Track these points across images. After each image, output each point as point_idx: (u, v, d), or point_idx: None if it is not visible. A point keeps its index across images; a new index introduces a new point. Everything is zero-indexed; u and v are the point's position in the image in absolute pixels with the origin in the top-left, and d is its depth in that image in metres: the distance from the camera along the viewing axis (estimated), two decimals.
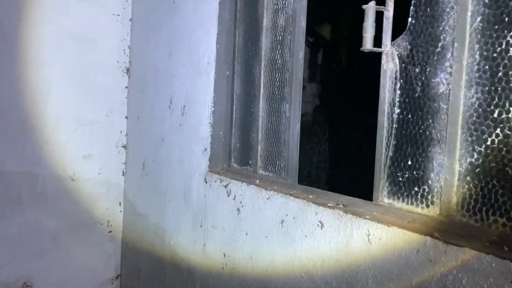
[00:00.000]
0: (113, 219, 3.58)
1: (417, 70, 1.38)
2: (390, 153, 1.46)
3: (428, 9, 1.34)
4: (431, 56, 1.33)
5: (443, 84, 1.30)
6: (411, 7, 1.38)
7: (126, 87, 3.54)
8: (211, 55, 2.36)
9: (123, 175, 3.58)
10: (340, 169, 5.49)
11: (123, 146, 3.58)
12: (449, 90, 1.27)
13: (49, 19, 3.22)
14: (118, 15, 3.45)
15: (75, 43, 3.29)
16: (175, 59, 2.75)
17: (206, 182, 2.35)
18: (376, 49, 1.46)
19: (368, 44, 1.45)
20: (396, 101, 1.44)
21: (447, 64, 1.29)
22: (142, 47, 3.29)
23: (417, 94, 1.38)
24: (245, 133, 2.32)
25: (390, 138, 1.46)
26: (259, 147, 2.19)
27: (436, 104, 1.32)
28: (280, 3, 2.02)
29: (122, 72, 3.52)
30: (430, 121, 1.34)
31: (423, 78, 1.36)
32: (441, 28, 1.30)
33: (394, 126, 1.45)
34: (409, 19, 1.39)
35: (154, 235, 2.96)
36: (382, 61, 1.48)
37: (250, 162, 2.27)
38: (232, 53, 2.36)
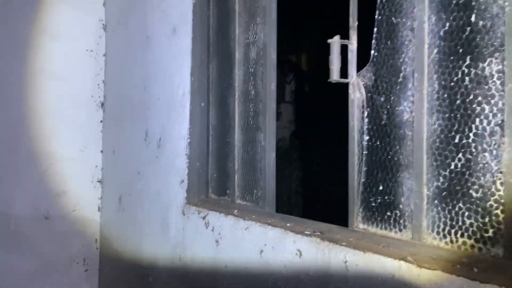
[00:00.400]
0: (89, 257, 3.47)
1: (382, 99, 1.44)
2: (362, 179, 1.51)
3: (389, 42, 1.42)
4: (394, 86, 1.40)
5: (407, 112, 1.36)
6: (373, 41, 1.46)
7: (101, 121, 3.52)
8: (185, 88, 2.40)
9: (99, 210, 3.51)
10: (318, 194, 5.53)
11: (98, 181, 3.53)
12: (413, 117, 1.34)
13: (20, 57, 3.21)
14: (92, 50, 3.47)
15: (47, 80, 3.28)
16: (150, 92, 2.77)
17: (184, 214, 2.33)
18: (343, 80, 1.52)
19: (335, 75, 1.51)
20: (365, 129, 1.50)
21: (409, 93, 1.36)
22: (117, 81, 3.30)
23: (383, 122, 1.44)
24: (222, 163, 2.33)
25: (361, 165, 1.51)
26: (236, 176, 2.20)
27: (401, 131, 1.38)
28: (251, 38, 2.09)
29: (97, 106, 3.51)
30: (397, 147, 1.39)
31: (388, 107, 1.42)
32: (401, 60, 1.38)
33: (364, 152, 1.50)
34: (372, 52, 1.47)
35: (132, 272, 2.89)
36: (349, 91, 1.54)
37: (228, 192, 2.28)
38: (207, 85, 2.41)
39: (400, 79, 1.39)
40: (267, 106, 1.98)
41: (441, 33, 1.27)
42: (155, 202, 2.64)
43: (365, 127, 1.49)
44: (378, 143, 1.45)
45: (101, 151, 3.52)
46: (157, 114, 2.68)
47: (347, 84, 1.55)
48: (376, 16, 1.46)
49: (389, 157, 1.41)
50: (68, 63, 3.38)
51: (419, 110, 1.32)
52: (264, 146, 2.00)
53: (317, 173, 5.66)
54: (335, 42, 1.51)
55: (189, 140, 2.36)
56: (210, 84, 2.39)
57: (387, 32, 1.42)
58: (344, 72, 1.54)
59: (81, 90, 3.45)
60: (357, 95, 1.52)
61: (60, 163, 3.38)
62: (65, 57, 3.36)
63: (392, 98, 1.41)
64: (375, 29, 1.46)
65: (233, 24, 2.19)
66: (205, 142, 2.41)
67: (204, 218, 2.16)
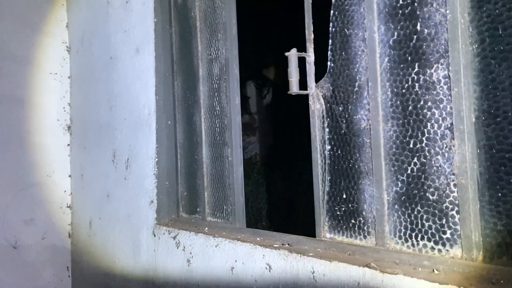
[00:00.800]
0: (61, 286, 3.34)
1: (340, 108, 1.47)
2: (327, 188, 1.52)
3: (343, 52, 1.45)
4: (351, 95, 1.43)
5: (364, 120, 1.39)
6: (329, 52, 1.50)
7: (68, 144, 3.44)
8: (151, 107, 2.38)
9: (69, 237, 3.40)
10: (296, 205, 5.54)
11: (68, 206, 3.42)
12: (370, 125, 1.36)
13: None
14: (56, 73, 3.41)
15: (10, 104, 3.19)
16: (116, 113, 2.74)
17: (154, 235, 2.28)
18: (302, 92, 1.54)
19: (294, 87, 1.53)
20: (326, 138, 1.52)
21: (365, 101, 1.39)
22: (83, 103, 3.25)
23: (343, 131, 1.46)
24: (191, 180, 2.31)
25: (324, 174, 1.52)
26: (206, 193, 2.18)
27: (360, 139, 1.40)
28: (213, 54, 2.10)
29: (63, 129, 3.43)
30: (357, 155, 1.41)
31: (347, 116, 1.45)
32: (356, 70, 1.41)
33: (327, 162, 1.52)
34: (328, 63, 1.50)
35: None
36: (309, 102, 1.56)
37: (198, 209, 2.25)
38: (172, 103, 2.39)
39: (356, 88, 1.42)
40: (232, 121, 1.98)
41: (391, 42, 1.31)
42: (125, 225, 2.58)
43: (326, 136, 1.51)
44: (339, 152, 1.47)
45: (69, 176, 3.43)
46: (124, 134, 2.65)
47: (307, 96, 1.58)
48: (330, 28, 1.50)
49: (350, 165, 1.43)
50: (32, 86, 3.31)
51: (375, 117, 1.35)
52: (231, 161, 1.99)
53: (295, 185, 5.68)
54: (292, 55, 1.53)
55: (156, 159, 2.33)
56: (176, 101, 2.38)
57: (341, 43, 1.46)
58: (304, 84, 1.57)
59: (46, 114, 3.37)
60: (317, 106, 1.54)
61: (27, 190, 3.27)
62: (29, 81, 3.29)
63: (349, 107, 1.44)
64: (330, 41, 1.49)
65: (195, 41, 2.20)
66: (173, 161, 2.38)
67: (174, 237, 2.12)
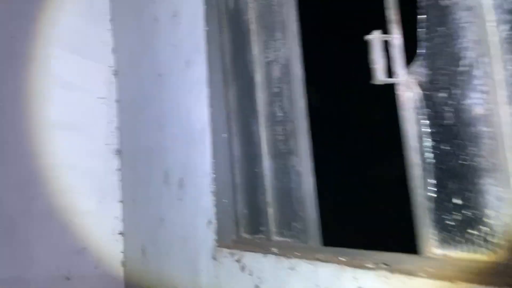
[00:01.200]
0: None
1: (442, 95, 1.22)
2: (431, 193, 1.25)
3: (441, 28, 1.21)
4: (456, 77, 1.18)
5: (478, 104, 1.13)
6: (420, 30, 1.26)
7: (118, 169, 3.34)
8: (204, 120, 2.21)
9: (122, 265, 3.25)
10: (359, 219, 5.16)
11: (120, 233, 3.29)
12: (487, 110, 1.10)
13: (33, 109, 3.11)
14: (104, 98, 3.37)
15: (60, 130, 3.16)
16: (167, 132, 2.60)
17: (215, 259, 2.07)
18: (390, 80, 1.31)
19: (380, 75, 1.30)
20: (425, 133, 1.26)
21: (477, 82, 1.13)
22: (132, 126, 3.16)
23: (448, 121, 1.20)
24: (252, 197, 2.10)
25: (426, 176, 1.26)
26: (270, 210, 1.95)
27: (474, 129, 1.14)
28: (271, 56, 1.92)
29: (112, 154, 3.35)
30: (473, 148, 1.14)
31: (452, 103, 1.19)
32: (460, 45, 1.17)
33: (428, 161, 1.25)
34: (420, 43, 1.26)
35: None
36: (398, 92, 1.32)
37: (262, 229, 2.02)
38: (227, 114, 2.22)
39: (462, 68, 1.17)
40: (298, 126, 1.77)
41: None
42: (182, 249, 2.38)
43: (425, 130, 1.26)
44: (445, 147, 1.21)
45: (121, 201, 3.31)
46: (176, 153, 2.49)
47: (390, 87, 1.34)
48: (418, 3, 1.27)
49: (464, 162, 1.16)
50: (81, 112, 3.27)
51: (493, 100, 1.09)
52: (299, 171, 1.77)
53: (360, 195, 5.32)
54: (376, 38, 1.31)
55: (214, 175, 2.14)
56: (231, 112, 2.21)
57: (437, 18, 1.22)
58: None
59: (95, 139, 3.31)
60: (409, 95, 1.30)
61: (79, 218, 3.18)
62: (78, 107, 3.26)
63: (455, 92, 1.18)
64: (422, 17, 1.26)
65: (250, 45, 2.04)
66: (230, 176, 2.19)
67: (238, 261, 1.89)
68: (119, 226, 3.29)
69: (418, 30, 1.26)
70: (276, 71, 1.89)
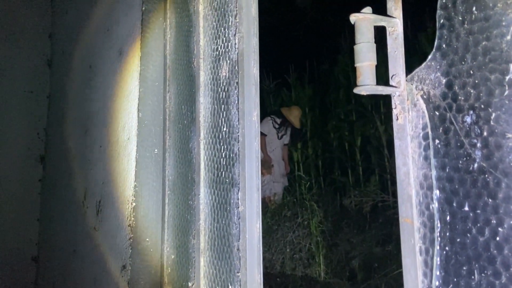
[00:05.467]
0: None
1: (468, 119, 0.72)
2: (434, 282, 0.74)
3: (480, 7, 0.72)
4: (497, 89, 0.68)
5: None
6: (439, 11, 0.77)
7: (40, 180, 2.73)
8: (131, 128, 1.67)
9: None
10: (315, 258, 4.68)
11: (33, 259, 2.66)
12: None
13: None
14: (32, 92, 2.77)
15: None
16: (91, 138, 2.03)
17: None
18: (383, 89, 0.80)
19: (367, 79, 0.79)
20: (434, 179, 0.75)
21: None
22: (58, 128, 2.57)
23: (475, 164, 0.70)
24: (182, 238, 1.54)
25: (431, 253, 0.75)
26: (202, 260, 1.41)
27: None
28: (221, 48, 1.40)
29: (35, 161, 2.74)
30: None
31: (485, 133, 0.69)
32: (510, 37, 0.67)
33: (437, 226, 0.75)
34: (439, 32, 0.77)
35: None
36: (393, 109, 0.82)
37: (189, 284, 1.46)
38: (162, 123, 1.68)
39: (510, 76, 0.67)
40: (246, 148, 1.24)
41: None
42: None
43: (434, 174, 0.75)
44: (464, 208, 0.71)
45: (38, 220, 2.69)
46: (97, 167, 1.93)
47: (387, 99, 0.84)
48: None
49: (497, 238, 0.66)
50: (4, 106, 2.67)
51: None
52: (242, 211, 1.23)
53: (314, 235, 4.85)
54: (366, 19, 0.81)
55: (134, 204, 1.58)
56: (167, 120, 1.67)
57: (461, 3, 0.73)
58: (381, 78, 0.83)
59: (15, 142, 2.70)
60: (410, 115, 0.80)
61: None
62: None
63: (491, 114, 0.69)
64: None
65: (196, 33, 1.52)
66: (159, 207, 1.63)
67: None
68: (34, 251, 2.66)
69: (437, 11, 0.77)
70: (224, 69, 1.37)
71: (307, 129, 5.85)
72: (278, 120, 4.92)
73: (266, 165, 5.01)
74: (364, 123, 5.10)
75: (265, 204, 5.03)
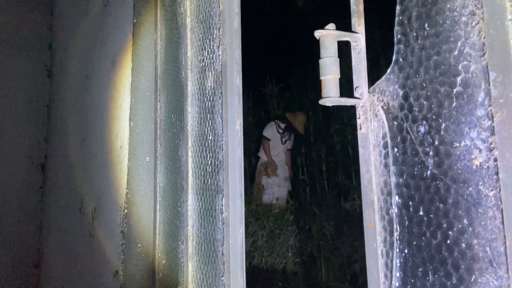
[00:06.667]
0: None
1: (421, 128, 0.76)
2: (395, 283, 0.78)
3: (427, 26, 0.77)
4: (446, 102, 0.73)
5: (480, 149, 0.67)
6: (396, 27, 0.81)
7: (41, 187, 2.80)
8: (124, 137, 1.73)
9: None
10: (316, 262, 4.70)
11: (34, 265, 2.72)
12: (495, 159, 0.65)
13: None
14: (32, 101, 2.85)
15: None
16: (87, 147, 2.10)
17: None
18: (346, 100, 0.85)
19: (331, 91, 0.84)
20: (392, 184, 0.80)
21: (481, 112, 0.68)
22: (58, 136, 2.64)
23: (427, 172, 0.74)
24: (172, 244, 1.59)
25: (391, 256, 0.79)
26: (190, 265, 1.45)
27: (468, 189, 0.68)
28: (206, 59, 1.46)
29: (36, 169, 2.81)
30: (464, 220, 0.68)
31: (436, 142, 0.74)
32: (456, 52, 0.72)
33: (396, 230, 0.79)
34: (396, 47, 0.81)
35: None
36: (357, 119, 0.87)
37: None
38: (153, 132, 1.74)
39: (457, 89, 0.71)
40: (229, 155, 1.29)
41: None
42: None
43: (393, 181, 0.80)
44: (420, 213, 0.75)
45: (39, 227, 2.76)
46: (93, 175, 1.99)
47: (352, 110, 0.88)
48: None
49: (445, 240, 0.70)
50: (1, 116, 2.74)
51: (503, 143, 0.64)
52: (226, 217, 1.28)
53: (316, 239, 4.88)
54: (328, 35, 0.85)
55: (126, 211, 1.64)
56: (158, 129, 1.73)
57: (421, 13, 0.78)
58: (347, 89, 0.88)
59: (16, 150, 2.77)
60: (372, 125, 0.84)
61: None
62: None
63: (443, 124, 0.73)
64: (399, 9, 0.81)
65: (184, 44, 1.57)
66: (150, 213, 1.69)
67: None
68: (35, 258, 2.73)
69: (395, 27, 0.82)
70: (210, 80, 1.43)
71: (311, 133, 5.87)
72: (282, 125, 4.95)
73: (270, 168, 5.04)
74: None
75: (269, 208, 5.06)
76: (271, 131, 4.91)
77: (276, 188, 5.24)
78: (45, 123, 2.87)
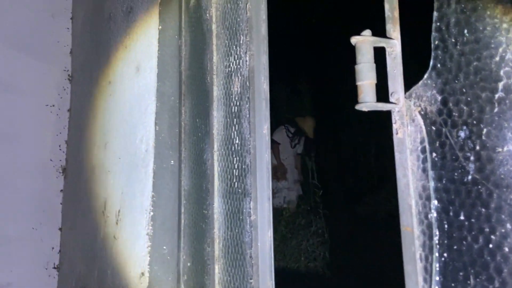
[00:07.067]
0: None
1: (461, 133, 0.77)
2: None
3: (466, 32, 0.78)
4: (488, 106, 0.74)
5: None
6: (434, 33, 0.83)
7: (61, 190, 2.84)
8: (149, 141, 1.75)
9: None
10: (331, 269, 4.68)
11: (55, 267, 2.77)
12: None
13: None
14: (53, 105, 2.90)
15: None
16: (111, 150, 2.13)
17: None
18: (383, 105, 0.86)
19: (367, 96, 0.85)
20: (432, 190, 0.81)
21: None
22: (79, 140, 2.68)
23: (469, 176, 0.75)
24: (197, 246, 1.61)
25: (430, 260, 0.80)
26: (217, 268, 1.47)
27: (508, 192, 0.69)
28: (233, 65, 1.48)
29: (57, 172, 2.86)
30: (508, 225, 0.69)
31: (478, 147, 0.75)
32: (499, 58, 0.73)
33: (435, 234, 0.80)
34: (434, 52, 0.82)
35: None
36: (393, 124, 0.88)
37: None
38: (178, 136, 1.76)
39: (499, 94, 0.72)
40: (257, 159, 1.31)
41: None
42: None
43: (432, 185, 0.81)
44: (461, 217, 0.76)
45: (60, 229, 2.80)
46: (117, 178, 2.02)
47: (387, 115, 0.90)
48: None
49: (490, 245, 0.70)
50: (22, 121, 2.80)
51: None
52: (254, 220, 1.30)
53: (329, 243, 4.87)
54: (364, 41, 0.87)
55: (152, 213, 1.66)
56: (183, 133, 1.75)
57: (460, 20, 0.79)
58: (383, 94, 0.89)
59: (38, 153, 2.82)
60: (409, 130, 0.85)
61: (7, 246, 2.66)
62: (19, 114, 2.78)
63: (484, 129, 0.74)
64: (436, 15, 0.82)
65: (210, 50, 1.60)
66: (175, 216, 1.71)
67: None
68: (55, 259, 2.77)
69: (432, 33, 0.83)
70: (236, 85, 1.45)
71: (320, 137, 5.89)
72: (292, 130, 4.98)
73: (280, 171, 5.06)
74: (378, 131, 5.14)
75: (280, 212, 5.07)
76: (281, 135, 4.94)
77: (286, 192, 5.25)
78: (66, 127, 2.92)
